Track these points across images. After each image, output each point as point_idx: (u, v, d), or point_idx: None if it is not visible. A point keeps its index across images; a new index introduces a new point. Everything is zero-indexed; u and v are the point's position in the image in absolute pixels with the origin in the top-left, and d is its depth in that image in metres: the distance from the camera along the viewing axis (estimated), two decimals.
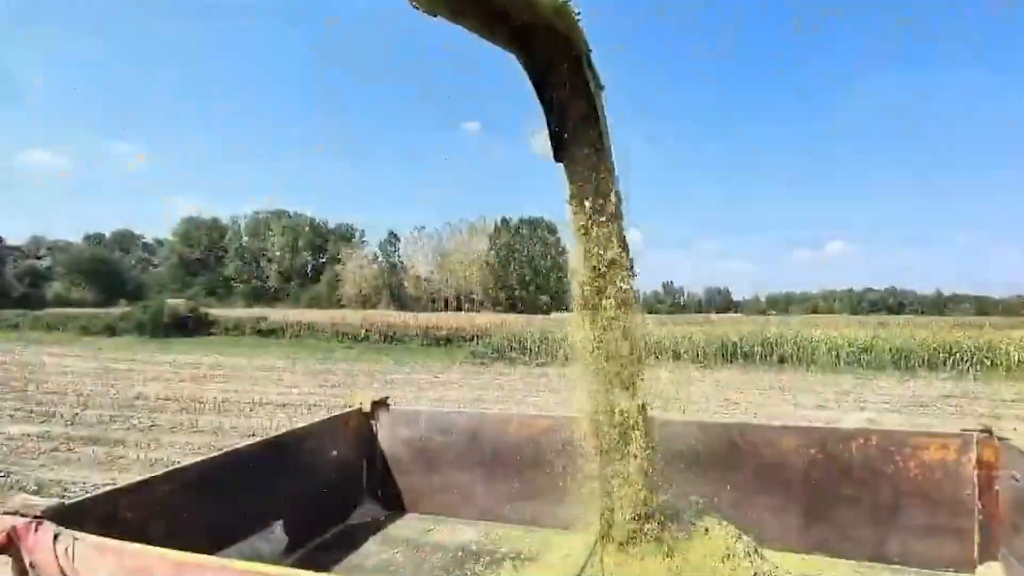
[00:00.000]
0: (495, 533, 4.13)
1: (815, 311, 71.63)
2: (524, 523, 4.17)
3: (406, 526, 4.34)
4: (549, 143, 2.67)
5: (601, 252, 2.65)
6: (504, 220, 59.66)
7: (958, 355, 17.78)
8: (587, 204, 2.65)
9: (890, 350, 18.39)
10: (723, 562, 2.63)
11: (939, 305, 74.75)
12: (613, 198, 2.67)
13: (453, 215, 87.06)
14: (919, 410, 11.52)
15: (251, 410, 10.67)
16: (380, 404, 4.68)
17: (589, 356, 2.70)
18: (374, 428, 4.64)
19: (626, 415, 2.66)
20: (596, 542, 2.75)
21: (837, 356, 18.76)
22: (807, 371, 18.06)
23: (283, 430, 8.49)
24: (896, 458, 3.56)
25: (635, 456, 2.67)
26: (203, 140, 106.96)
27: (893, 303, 79.98)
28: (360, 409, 4.62)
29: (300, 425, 4.40)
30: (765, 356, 19.46)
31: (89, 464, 7.05)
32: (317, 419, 4.56)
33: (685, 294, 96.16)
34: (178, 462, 7.02)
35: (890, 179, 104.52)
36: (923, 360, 17.99)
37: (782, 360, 19.22)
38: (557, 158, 2.68)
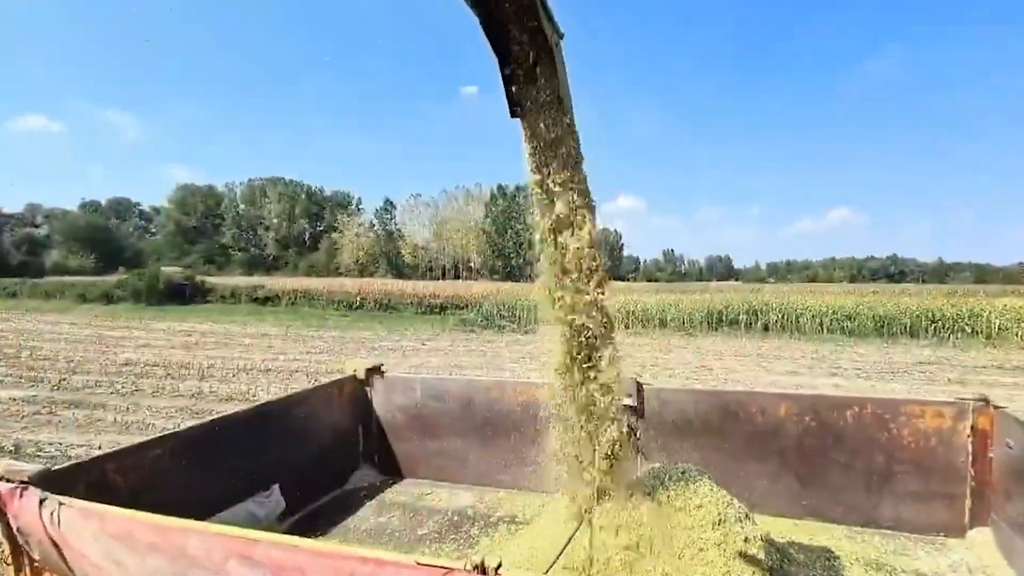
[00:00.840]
0: (490, 497, 4.24)
1: (815, 279, 71.54)
2: (518, 488, 4.26)
3: (402, 491, 4.42)
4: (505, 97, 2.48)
5: (562, 214, 2.52)
6: (500, 187, 59.17)
7: (940, 323, 17.96)
8: (544, 163, 2.50)
9: (874, 318, 18.56)
10: (714, 528, 2.63)
11: (940, 273, 74.46)
12: (574, 155, 2.53)
13: (450, 182, 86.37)
14: (890, 376, 11.72)
15: (233, 375, 10.93)
16: (375, 371, 4.66)
17: (558, 327, 2.61)
18: (369, 395, 4.66)
19: (602, 383, 2.59)
20: (588, 506, 2.72)
21: (821, 324, 18.96)
22: (790, 338, 18.30)
23: (262, 394, 8.55)
24: (891, 426, 3.60)
25: (614, 421, 2.62)
26: (197, 110, 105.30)
27: (895, 271, 79.81)
28: (355, 375, 4.60)
29: (292, 391, 4.38)
30: (750, 323, 19.68)
31: (68, 427, 7.32)
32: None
33: (686, 262, 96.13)
34: (153, 424, 7.33)
35: (894, 152, 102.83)
36: (905, 328, 18.18)
37: (766, 328, 19.43)
38: (513, 113, 2.53)
